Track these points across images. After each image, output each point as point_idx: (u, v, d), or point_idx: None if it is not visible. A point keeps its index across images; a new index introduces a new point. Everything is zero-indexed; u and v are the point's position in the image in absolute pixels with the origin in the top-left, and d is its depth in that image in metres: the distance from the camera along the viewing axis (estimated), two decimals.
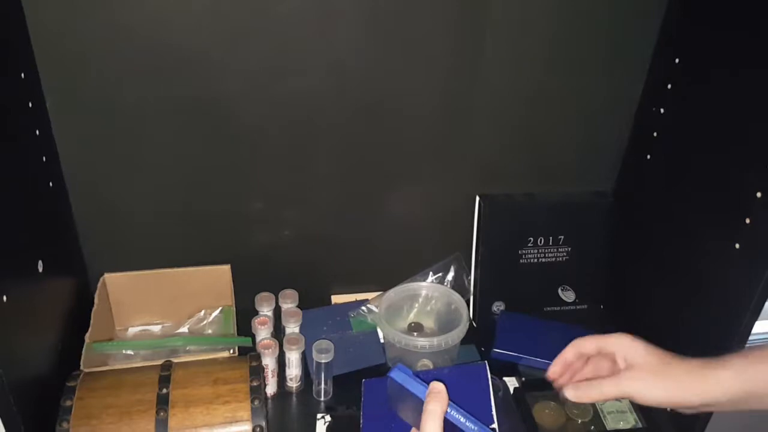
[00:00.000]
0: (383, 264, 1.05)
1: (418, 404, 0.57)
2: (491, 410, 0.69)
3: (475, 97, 0.94)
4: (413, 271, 1.03)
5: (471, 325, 1.00)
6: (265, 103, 0.90)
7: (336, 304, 1.08)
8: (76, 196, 0.92)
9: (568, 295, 1.09)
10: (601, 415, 0.88)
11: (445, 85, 0.94)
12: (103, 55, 0.83)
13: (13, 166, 0.72)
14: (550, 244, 1.05)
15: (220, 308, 0.99)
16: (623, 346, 0.66)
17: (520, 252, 1.04)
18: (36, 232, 0.78)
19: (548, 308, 1.09)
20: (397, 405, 0.62)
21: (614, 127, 1.00)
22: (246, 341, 0.93)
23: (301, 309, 0.97)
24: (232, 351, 0.86)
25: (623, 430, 0.87)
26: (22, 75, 0.77)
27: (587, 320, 1.06)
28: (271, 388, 0.92)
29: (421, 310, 1.01)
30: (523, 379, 0.93)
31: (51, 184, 0.85)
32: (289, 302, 0.98)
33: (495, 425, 0.67)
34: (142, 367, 0.81)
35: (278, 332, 0.97)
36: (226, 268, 0.98)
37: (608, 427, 0.87)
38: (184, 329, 1.00)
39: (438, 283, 1.03)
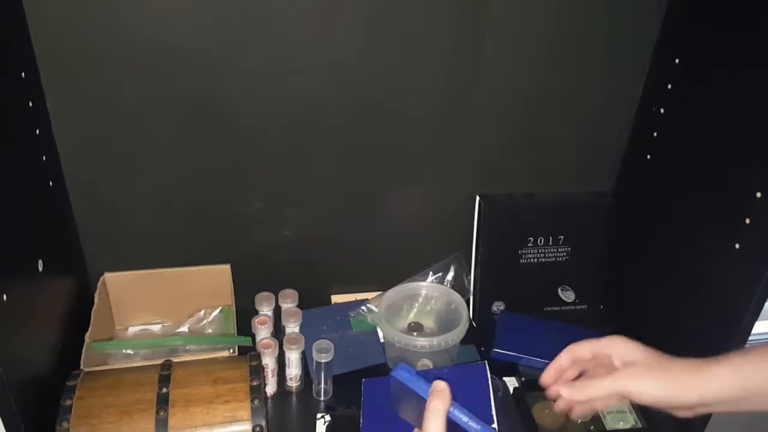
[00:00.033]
0: (383, 264, 1.05)
1: (421, 403, 0.57)
2: (491, 410, 0.68)
3: (475, 97, 0.95)
4: (413, 271, 1.03)
5: (471, 325, 1.00)
6: (265, 102, 0.90)
7: (336, 303, 1.08)
8: (76, 196, 0.92)
9: (567, 295, 1.09)
10: (601, 415, 0.88)
11: (445, 85, 0.94)
12: (104, 55, 0.83)
13: (13, 165, 0.72)
14: (550, 244, 1.05)
15: (220, 308, 0.99)
16: (619, 347, 0.65)
17: (520, 252, 1.04)
18: (36, 232, 0.78)
19: (548, 308, 1.09)
20: (399, 404, 0.62)
21: (614, 127, 1.00)
22: (246, 341, 0.93)
23: (301, 309, 0.97)
24: (232, 350, 0.86)
25: (623, 430, 0.87)
26: (23, 74, 0.77)
27: (587, 320, 1.06)
28: (271, 388, 0.92)
29: (421, 310, 1.01)
30: (523, 379, 0.93)
31: (51, 183, 0.85)
32: (289, 302, 0.98)
33: (495, 425, 0.67)
34: (142, 366, 0.81)
35: (278, 332, 0.97)
36: (226, 268, 0.98)
37: (608, 427, 0.87)
38: (184, 329, 1.00)
39: (438, 282, 1.03)
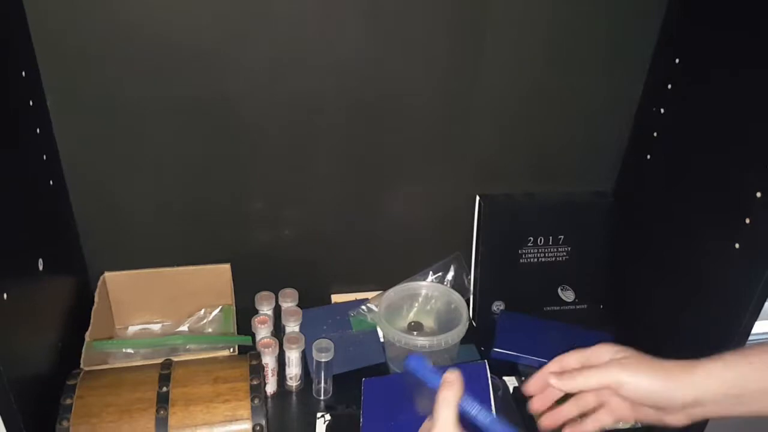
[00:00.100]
0: (383, 263, 1.05)
1: (433, 393, 0.56)
2: (491, 409, 0.69)
3: (474, 97, 0.95)
4: (413, 270, 1.03)
5: (471, 324, 1.00)
6: (265, 102, 0.90)
7: (336, 303, 1.08)
8: (76, 195, 0.92)
9: (567, 295, 1.09)
10: None
11: (444, 85, 0.94)
12: (104, 54, 0.83)
13: (13, 164, 0.72)
14: (550, 243, 1.05)
15: (220, 307, 0.99)
16: (608, 353, 0.61)
17: (519, 252, 1.04)
18: (36, 231, 0.78)
19: (548, 308, 1.09)
20: (414, 396, 0.61)
21: (614, 127, 1.00)
22: (246, 340, 0.93)
23: (301, 308, 0.97)
24: (232, 350, 0.86)
25: (623, 430, 0.87)
26: (23, 73, 0.77)
27: (587, 320, 1.06)
28: (271, 387, 0.92)
29: (420, 310, 1.01)
30: (523, 378, 0.93)
31: (51, 182, 0.86)
32: (289, 301, 0.98)
33: None
34: (142, 365, 0.81)
35: (278, 331, 0.97)
36: (226, 267, 0.98)
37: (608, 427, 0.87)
38: (184, 328, 1.00)
39: (438, 282, 1.03)
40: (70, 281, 0.91)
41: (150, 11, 0.81)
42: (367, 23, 0.87)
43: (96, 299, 0.91)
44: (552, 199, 1.04)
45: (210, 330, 0.98)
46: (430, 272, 1.03)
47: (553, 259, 1.06)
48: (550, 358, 0.70)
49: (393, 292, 0.99)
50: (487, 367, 0.78)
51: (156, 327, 1.01)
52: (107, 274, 0.95)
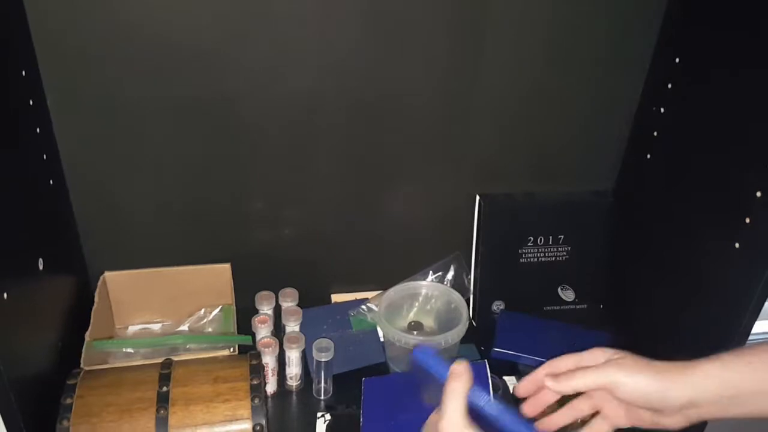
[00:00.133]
0: (383, 263, 1.05)
1: (439, 386, 0.55)
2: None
3: (474, 97, 0.95)
4: (413, 270, 1.03)
5: (471, 324, 1.00)
6: (265, 102, 0.90)
7: (336, 302, 1.08)
8: (76, 195, 0.92)
9: (567, 295, 1.09)
10: None
11: (444, 85, 0.94)
12: (104, 54, 0.83)
13: (13, 164, 0.72)
14: (550, 243, 1.05)
15: (220, 307, 0.99)
16: (601, 357, 0.60)
17: (519, 251, 1.04)
18: (36, 231, 0.78)
19: (548, 308, 1.09)
20: (414, 395, 0.61)
21: (614, 127, 1.00)
22: (246, 340, 0.93)
23: (301, 308, 0.97)
24: (232, 349, 0.86)
25: (623, 430, 0.86)
26: (23, 73, 0.77)
27: (587, 320, 1.06)
28: (271, 387, 0.92)
29: (421, 309, 1.01)
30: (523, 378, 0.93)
31: (51, 182, 0.86)
32: (289, 301, 0.98)
33: None
34: (143, 365, 0.81)
35: (278, 331, 0.97)
36: (226, 267, 0.98)
37: None
38: (185, 327, 1.00)
39: (438, 282, 1.03)
40: (70, 281, 0.91)
41: (150, 11, 0.81)
42: (367, 23, 0.87)
43: (96, 299, 0.91)
44: (552, 199, 1.04)
45: (210, 330, 0.98)
46: (430, 272, 1.03)
47: (553, 258, 1.06)
48: (550, 357, 0.70)
49: (393, 292, 0.99)
50: (488, 366, 0.78)
51: (156, 327, 1.01)
52: (107, 274, 0.96)
